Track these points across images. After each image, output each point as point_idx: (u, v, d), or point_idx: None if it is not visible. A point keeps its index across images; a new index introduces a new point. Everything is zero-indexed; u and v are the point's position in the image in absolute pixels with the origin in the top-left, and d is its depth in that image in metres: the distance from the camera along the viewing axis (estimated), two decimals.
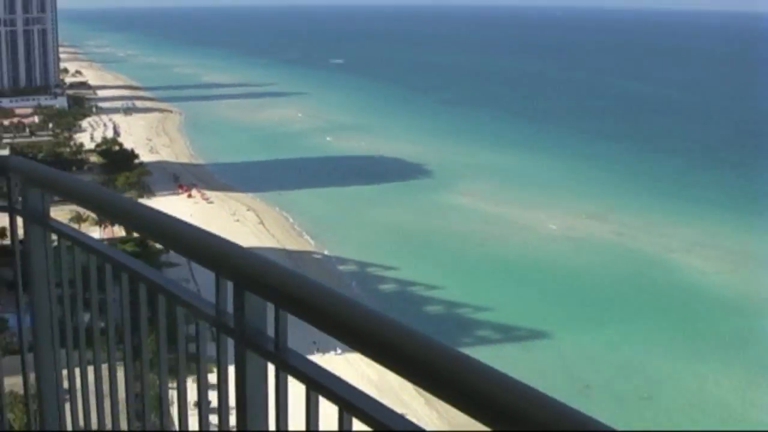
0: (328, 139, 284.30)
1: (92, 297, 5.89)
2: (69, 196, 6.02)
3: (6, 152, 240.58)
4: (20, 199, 6.63)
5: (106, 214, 5.63)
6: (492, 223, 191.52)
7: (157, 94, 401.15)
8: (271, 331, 4.12)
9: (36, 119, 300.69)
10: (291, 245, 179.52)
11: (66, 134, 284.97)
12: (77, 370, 6.38)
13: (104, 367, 5.85)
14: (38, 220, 6.50)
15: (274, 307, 3.98)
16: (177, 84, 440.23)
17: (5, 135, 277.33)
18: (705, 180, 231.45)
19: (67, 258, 6.24)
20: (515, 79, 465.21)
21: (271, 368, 4.17)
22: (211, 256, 4.39)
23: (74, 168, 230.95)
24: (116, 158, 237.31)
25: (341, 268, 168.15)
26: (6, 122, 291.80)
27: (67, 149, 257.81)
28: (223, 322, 4.33)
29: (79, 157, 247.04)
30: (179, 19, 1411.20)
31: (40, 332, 6.69)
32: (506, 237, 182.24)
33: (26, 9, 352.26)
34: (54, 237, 6.53)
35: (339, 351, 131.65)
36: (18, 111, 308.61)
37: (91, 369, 6.21)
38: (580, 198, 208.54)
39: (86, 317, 6.13)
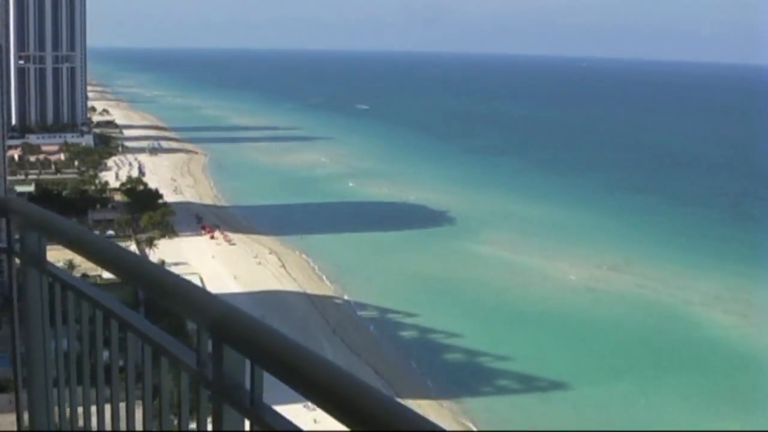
0: (351, 184, 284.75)
1: (83, 342, 5.99)
2: (63, 240, 6.13)
3: (31, 188, 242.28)
4: (18, 240, 6.75)
5: (97, 261, 5.64)
6: (513, 272, 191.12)
7: (183, 134, 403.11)
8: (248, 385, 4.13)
9: (62, 156, 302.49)
10: (312, 289, 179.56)
11: (91, 172, 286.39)
12: (68, 410, 6.40)
13: (93, 408, 5.88)
14: (34, 263, 6.58)
15: (249, 362, 4.01)
16: (203, 125, 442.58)
17: (31, 171, 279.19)
18: (726, 232, 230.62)
19: (61, 301, 6.24)
20: (539, 128, 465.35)
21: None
22: (193, 308, 4.47)
23: (98, 206, 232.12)
24: (140, 197, 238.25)
25: (361, 313, 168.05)
26: (33, 158, 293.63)
27: (92, 187, 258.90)
28: (203, 374, 4.35)
29: (103, 195, 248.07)
30: (207, 60, 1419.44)
31: (33, 372, 6.75)
32: (527, 286, 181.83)
33: (56, 47, 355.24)
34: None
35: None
36: (45, 148, 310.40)
37: (84, 409, 6.25)
38: (601, 248, 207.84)
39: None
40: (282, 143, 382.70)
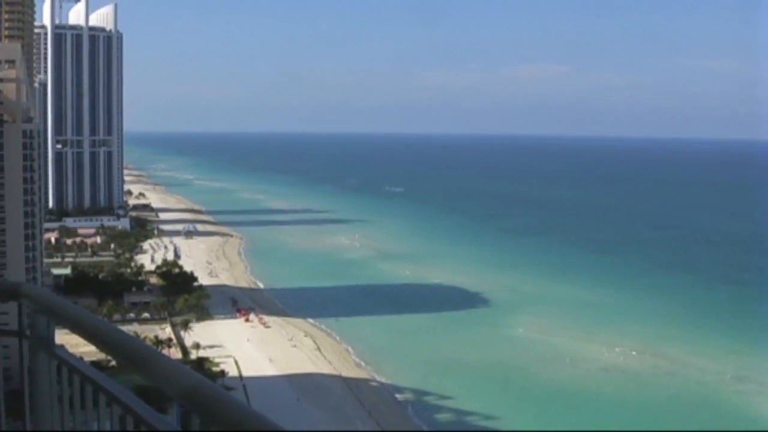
0: (387, 266, 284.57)
1: (89, 425, 6.06)
2: (71, 326, 6.21)
3: (68, 271, 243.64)
4: (29, 325, 6.87)
5: (103, 347, 5.69)
6: (546, 354, 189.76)
7: (219, 217, 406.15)
8: None
9: (99, 239, 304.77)
10: (347, 372, 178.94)
11: (128, 255, 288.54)
12: None
13: None
14: (44, 347, 6.68)
15: None
16: (238, 208, 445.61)
17: (68, 254, 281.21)
18: (760, 310, 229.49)
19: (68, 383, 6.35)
20: (574, 208, 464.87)
21: None
22: (187, 396, 4.52)
23: (134, 288, 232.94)
24: (176, 280, 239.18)
25: (398, 396, 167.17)
26: (69, 241, 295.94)
27: (128, 270, 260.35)
28: None
29: (139, 278, 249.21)
30: (242, 144, 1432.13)
31: None
32: (558, 369, 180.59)
33: (93, 131, 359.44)
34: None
35: None
36: (81, 231, 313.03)
37: None
38: (634, 330, 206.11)
39: None
40: (317, 226, 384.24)
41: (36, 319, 6.77)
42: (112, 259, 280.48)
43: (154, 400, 5.38)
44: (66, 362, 6.33)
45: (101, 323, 5.97)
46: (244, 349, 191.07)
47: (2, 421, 8.18)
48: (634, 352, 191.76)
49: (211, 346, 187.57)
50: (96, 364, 6.44)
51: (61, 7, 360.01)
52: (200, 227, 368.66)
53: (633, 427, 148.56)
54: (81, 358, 6.42)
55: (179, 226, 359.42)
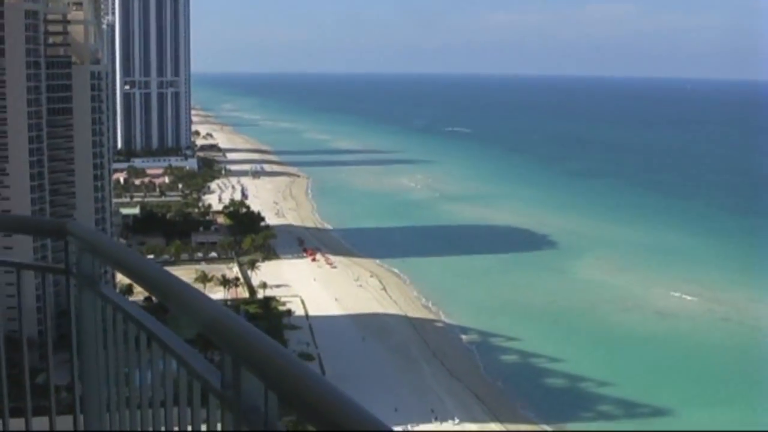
0: (453, 207, 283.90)
1: (131, 364, 6.06)
2: (114, 264, 6.30)
3: (137, 210, 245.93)
4: (75, 263, 6.95)
5: (143, 284, 5.72)
6: (613, 296, 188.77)
7: (286, 158, 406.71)
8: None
9: (166, 179, 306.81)
10: (413, 312, 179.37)
11: (195, 195, 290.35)
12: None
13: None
14: (90, 285, 6.78)
15: (263, 386, 4.16)
16: (305, 149, 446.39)
17: (136, 194, 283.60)
18: None
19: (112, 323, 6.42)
20: (642, 151, 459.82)
21: None
22: (217, 332, 4.56)
23: (202, 228, 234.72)
24: (243, 220, 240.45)
25: (463, 337, 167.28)
26: (137, 182, 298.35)
27: (196, 210, 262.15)
28: (226, 396, 4.50)
29: (206, 218, 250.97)
30: (310, 85, 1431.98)
31: (88, 394, 6.88)
32: (627, 311, 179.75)
33: (160, 72, 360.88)
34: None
35: (457, 421, 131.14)
36: (149, 171, 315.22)
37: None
38: (695, 273, 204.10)
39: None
40: (384, 166, 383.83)
41: (82, 257, 6.84)
42: (179, 199, 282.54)
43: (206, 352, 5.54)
44: (111, 300, 6.38)
45: (142, 261, 5.98)
46: (310, 288, 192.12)
47: (51, 356, 8.27)
48: (689, 297, 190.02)
49: (278, 286, 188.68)
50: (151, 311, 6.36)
51: None
52: (267, 167, 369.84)
53: (702, 368, 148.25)
54: (127, 298, 6.47)
55: (246, 167, 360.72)
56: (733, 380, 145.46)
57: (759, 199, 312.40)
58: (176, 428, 5.21)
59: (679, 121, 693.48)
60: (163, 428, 5.56)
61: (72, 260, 6.97)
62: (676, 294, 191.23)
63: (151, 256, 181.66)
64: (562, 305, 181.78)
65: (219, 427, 4.59)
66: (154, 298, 5.45)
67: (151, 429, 5.77)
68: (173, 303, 5.19)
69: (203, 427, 4.82)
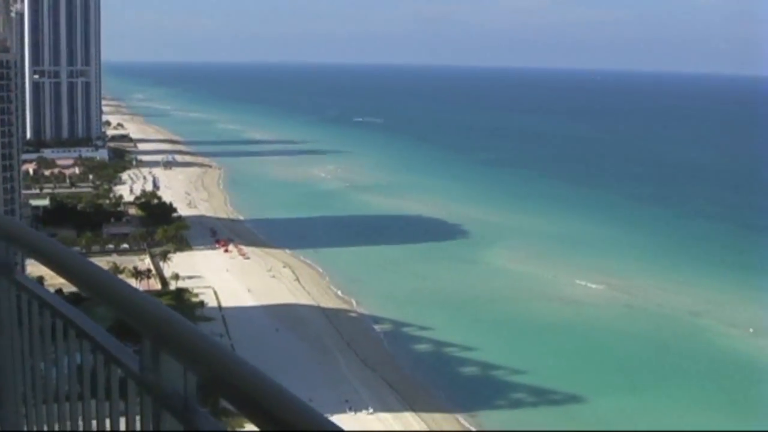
0: (364, 197, 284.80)
1: (45, 352, 6.15)
2: (27, 251, 6.38)
3: (46, 202, 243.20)
4: None
5: (60, 270, 5.67)
6: (523, 284, 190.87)
7: (198, 148, 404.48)
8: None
9: (77, 170, 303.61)
10: (326, 303, 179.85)
11: (106, 186, 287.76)
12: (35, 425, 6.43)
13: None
14: (4, 273, 6.68)
15: (182, 368, 4.23)
16: (217, 139, 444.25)
17: (46, 185, 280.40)
18: (739, 243, 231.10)
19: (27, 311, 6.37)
20: (553, 141, 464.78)
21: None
22: (136, 315, 4.55)
23: (113, 220, 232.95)
24: (155, 211, 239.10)
25: (376, 327, 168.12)
26: (47, 172, 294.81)
27: (107, 201, 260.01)
28: (145, 379, 4.48)
29: (118, 209, 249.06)
30: (221, 75, 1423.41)
31: (3, 384, 6.83)
32: (536, 299, 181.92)
33: (71, 61, 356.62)
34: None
35: (371, 410, 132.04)
36: (60, 162, 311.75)
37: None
38: (604, 262, 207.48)
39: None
40: (296, 157, 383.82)
41: None
42: (90, 190, 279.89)
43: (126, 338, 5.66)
44: (26, 288, 6.36)
45: (59, 247, 6.01)
46: (223, 279, 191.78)
47: None
48: (594, 285, 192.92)
49: (191, 277, 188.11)
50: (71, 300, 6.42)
51: None
52: (179, 158, 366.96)
53: (613, 355, 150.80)
54: (43, 287, 6.41)
55: (158, 157, 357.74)
56: (636, 366, 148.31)
57: (665, 187, 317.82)
58: (94, 417, 5.14)
59: (601, 112, 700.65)
60: (80, 416, 5.59)
61: None
62: (582, 282, 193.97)
63: None
64: (472, 294, 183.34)
65: (138, 410, 4.55)
66: (69, 288, 5.78)
67: (68, 418, 5.80)
68: (91, 289, 5.13)
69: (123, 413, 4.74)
